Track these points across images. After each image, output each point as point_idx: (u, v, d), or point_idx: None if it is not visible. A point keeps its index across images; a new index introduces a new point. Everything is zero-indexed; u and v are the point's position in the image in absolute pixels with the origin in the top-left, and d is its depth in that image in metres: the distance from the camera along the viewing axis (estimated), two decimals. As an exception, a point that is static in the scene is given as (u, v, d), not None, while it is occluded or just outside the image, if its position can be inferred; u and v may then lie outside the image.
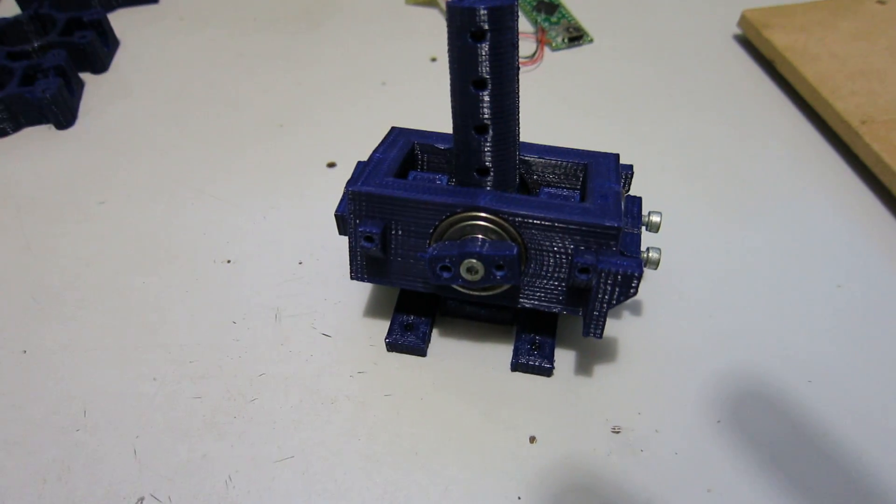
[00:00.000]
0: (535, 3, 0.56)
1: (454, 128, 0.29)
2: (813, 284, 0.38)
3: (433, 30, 0.56)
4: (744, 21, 0.52)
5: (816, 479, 0.30)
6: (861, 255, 0.39)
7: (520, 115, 0.29)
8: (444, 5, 0.56)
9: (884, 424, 0.32)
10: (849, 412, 0.32)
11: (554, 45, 0.53)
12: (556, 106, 0.49)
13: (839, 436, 0.32)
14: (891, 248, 0.39)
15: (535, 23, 0.55)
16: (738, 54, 0.53)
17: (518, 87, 0.29)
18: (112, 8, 0.60)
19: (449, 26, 0.27)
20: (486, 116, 0.28)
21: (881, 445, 0.31)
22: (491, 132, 0.29)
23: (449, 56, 0.28)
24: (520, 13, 0.56)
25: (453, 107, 0.29)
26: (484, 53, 0.27)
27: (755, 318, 0.36)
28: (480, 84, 0.27)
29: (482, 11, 0.26)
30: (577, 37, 0.53)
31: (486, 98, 0.28)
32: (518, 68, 0.28)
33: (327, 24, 0.57)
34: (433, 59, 0.53)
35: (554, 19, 0.55)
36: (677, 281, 0.38)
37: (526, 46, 0.52)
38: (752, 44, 0.52)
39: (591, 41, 0.54)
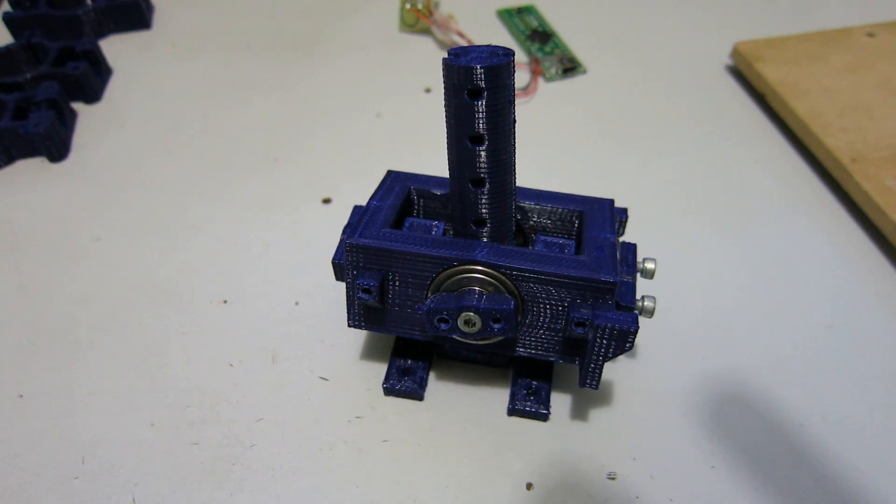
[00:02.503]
0: (528, 33, 0.57)
1: (451, 180, 0.30)
2: (805, 325, 0.38)
3: (427, 59, 0.56)
4: (736, 53, 0.52)
5: (810, 525, 0.31)
6: (852, 295, 0.39)
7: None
8: (437, 34, 0.56)
9: (886, 470, 0.32)
10: (846, 458, 0.33)
11: (548, 75, 0.53)
12: (551, 137, 0.49)
13: (835, 483, 0.32)
14: (880, 288, 0.40)
15: (528, 53, 0.55)
16: (731, 86, 0.54)
17: (514, 141, 0.29)
18: (104, 34, 0.60)
19: (445, 83, 0.27)
20: (482, 170, 0.28)
21: (881, 492, 0.32)
22: (487, 185, 0.29)
23: (445, 111, 0.28)
24: (514, 43, 0.56)
25: (450, 160, 0.29)
26: (481, 110, 0.27)
27: (748, 360, 0.36)
28: (477, 140, 0.28)
29: (479, 70, 0.26)
30: (571, 67, 0.54)
31: (483, 153, 0.28)
32: (514, 121, 0.28)
33: (320, 53, 0.57)
34: (427, 90, 0.53)
35: (548, 49, 0.55)
36: (671, 321, 0.38)
37: (520, 77, 0.52)
38: (744, 76, 0.52)
39: (584, 72, 0.54)
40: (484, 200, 0.29)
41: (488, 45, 0.27)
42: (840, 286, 0.40)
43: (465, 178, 0.29)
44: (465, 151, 0.28)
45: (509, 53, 0.27)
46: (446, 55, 0.27)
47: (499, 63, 0.26)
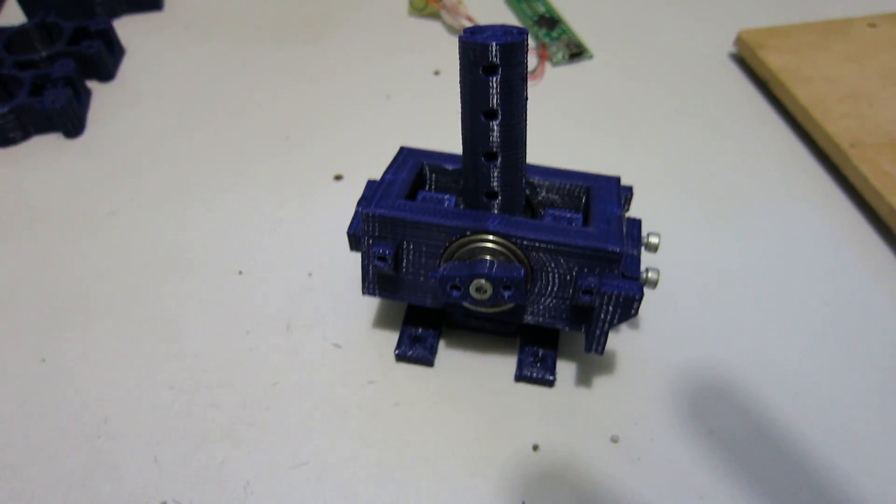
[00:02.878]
0: (535, 18, 0.58)
1: (464, 153, 0.31)
2: (802, 301, 0.39)
3: (436, 42, 0.57)
4: (740, 41, 0.53)
5: (800, 487, 0.32)
6: (848, 274, 0.41)
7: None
8: (446, 18, 0.57)
9: (863, 438, 0.34)
10: (832, 425, 0.34)
11: (555, 60, 0.54)
12: (557, 121, 0.50)
13: (821, 447, 0.33)
14: (876, 268, 0.41)
15: (536, 38, 0.56)
16: (734, 73, 0.55)
17: (526, 117, 0.30)
18: (116, 15, 0.60)
19: (461, 60, 0.28)
20: (495, 144, 0.30)
21: (858, 457, 0.33)
22: (500, 159, 0.30)
23: (461, 87, 0.29)
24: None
25: (464, 135, 0.30)
26: (495, 86, 0.28)
27: (746, 333, 0.38)
28: (491, 114, 0.29)
29: (495, 47, 0.27)
30: (577, 53, 0.55)
31: (496, 127, 0.29)
32: (527, 98, 0.30)
33: (331, 35, 0.58)
34: (436, 73, 0.54)
35: (555, 34, 0.56)
36: (673, 295, 0.39)
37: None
38: (747, 63, 0.54)
39: (591, 57, 0.55)
40: (496, 173, 0.30)
41: (502, 25, 0.28)
42: (837, 267, 0.41)
43: (478, 152, 0.30)
44: (479, 126, 0.29)
45: (523, 32, 0.28)
46: (459, 36, 0.28)
47: (513, 41, 0.27)
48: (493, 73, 0.28)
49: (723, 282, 0.40)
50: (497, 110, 0.29)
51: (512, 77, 0.28)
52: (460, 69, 0.29)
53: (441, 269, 0.31)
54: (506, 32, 0.28)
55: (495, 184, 0.31)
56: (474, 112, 0.29)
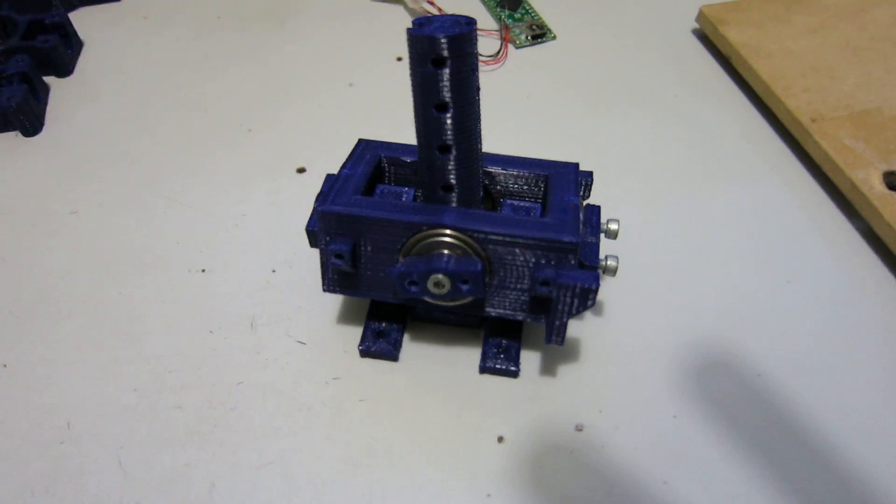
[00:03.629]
0: (498, 0, 0.57)
1: (419, 147, 0.31)
2: (764, 281, 0.40)
3: (398, 28, 0.56)
4: (701, 17, 0.53)
5: (765, 470, 0.32)
6: (810, 251, 0.41)
7: (481, 131, 0.30)
8: (408, 3, 0.56)
9: (829, 415, 0.34)
10: (796, 404, 0.35)
11: (518, 42, 0.54)
12: (521, 103, 0.50)
13: (785, 427, 0.34)
14: (838, 244, 0.41)
15: (499, 20, 0.56)
16: (698, 50, 0.54)
17: (479, 108, 0.30)
18: (73, 7, 0.59)
19: (410, 53, 0.28)
20: (448, 137, 0.29)
21: (827, 435, 0.33)
22: (454, 151, 0.30)
23: (411, 80, 0.29)
24: (484, 10, 0.57)
25: (417, 128, 0.30)
26: (445, 79, 0.28)
27: (708, 315, 0.38)
28: (442, 107, 0.28)
29: (442, 40, 0.27)
30: (540, 34, 0.54)
31: (449, 120, 0.29)
32: (478, 89, 0.29)
33: (292, 22, 0.57)
34: (399, 59, 0.53)
35: (518, 16, 0.56)
36: (635, 280, 0.39)
37: (490, 44, 0.53)
38: (709, 39, 0.53)
39: (554, 38, 0.55)
40: (451, 166, 0.30)
41: (452, 15, 0.28)
42: (799, 244, 0.41)
43: (432, 146, 0.30)
44: (431, 119, 0.29)
45: (472, 23, 0.27)
46: (407, 29, 0.27)
47: (461, 32, 0.27)
48: (443, 66, 0.27)
49: (684, 264, 0.40)
50: (448, 103, 0.28)
51: (462, 69, 0.28)
52: (410, 62, 0.28)
53: (398, 264, 0.31)
54: (454, 23, 0.27)
55: (451, 177, 0.31)
56: (425, 105, 0.29)
